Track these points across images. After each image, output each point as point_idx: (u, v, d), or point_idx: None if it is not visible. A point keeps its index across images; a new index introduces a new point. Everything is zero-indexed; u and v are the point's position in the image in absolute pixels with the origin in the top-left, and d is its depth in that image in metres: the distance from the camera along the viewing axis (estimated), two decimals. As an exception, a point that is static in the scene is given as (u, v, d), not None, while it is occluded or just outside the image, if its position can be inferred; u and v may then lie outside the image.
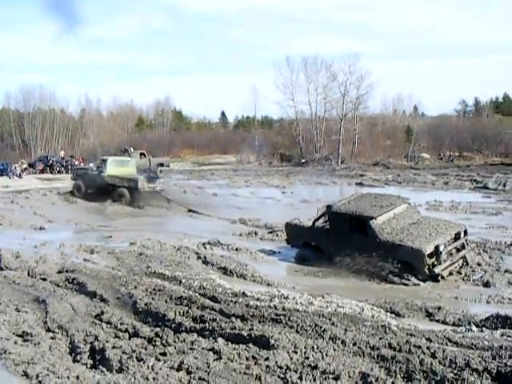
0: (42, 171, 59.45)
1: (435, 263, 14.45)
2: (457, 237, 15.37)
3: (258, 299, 11.72)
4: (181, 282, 13.59)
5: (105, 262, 16.62)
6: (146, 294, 12.29)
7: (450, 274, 14.96)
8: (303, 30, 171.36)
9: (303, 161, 69.61)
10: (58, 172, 59.43)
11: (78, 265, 15.78)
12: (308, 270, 15.84)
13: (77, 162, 61.54)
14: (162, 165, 54.70)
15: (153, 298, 11.91)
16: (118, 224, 25.35)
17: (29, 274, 14.96)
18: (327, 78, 74.31)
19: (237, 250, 18.28)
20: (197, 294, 12.19)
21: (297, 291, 13.04)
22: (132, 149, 54.56)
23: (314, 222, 17.29)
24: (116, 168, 36.12)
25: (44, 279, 14.33)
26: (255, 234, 21.03)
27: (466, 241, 15.89)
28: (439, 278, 14.45)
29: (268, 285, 14.23)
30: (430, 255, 14.36)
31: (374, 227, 15.31)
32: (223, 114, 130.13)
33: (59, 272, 15.07)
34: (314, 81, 75.14)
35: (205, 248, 18.45)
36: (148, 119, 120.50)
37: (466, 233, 15.88)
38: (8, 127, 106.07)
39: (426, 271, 14.38)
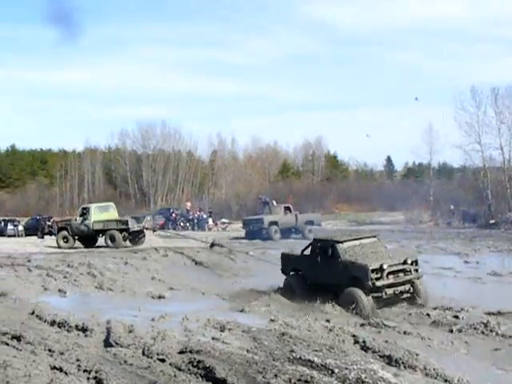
0: (163, 226, 60.57)
1: (378, 277, 20.81)
2: (405, 262, 21.79)
3: (432, 399, 11.44)
4: (333, 371, 13.41)
5: (238, 342, 16.73)
6: (289, 384, 12.25)
7: (396, 294, 21.37)
8: (492, 51, 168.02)
9: (492, 221, 67.89)
10: (182, 228, 60.79)
11: (204, 344, 15.94)
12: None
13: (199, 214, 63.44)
14: (311, 223, 54.98)
15: (298, 391, 11.85)
16: (254, 296, 25.48)
17: (144, 353, 15.25)
18: (524, 116, 72.57)
19: (405, 333, 17.95)
20: (354, 389, 12.03)
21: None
22: (274, 202, 55.22)
23: (302, 251, 24.76)
24: (100, 214, 47.83)
25: (162, 360, 14.56)
26: (427, 315, 20.57)
27: (416, 270, 22.09)
28: (382, 292, 21.00)
29: (445, 381, 13.81)
30: (375, 271, 20.87)
31: (339, 249, 22.44)
32: (389, 159, 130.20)
33: (181, 352, 15.28)
34: (508, 118, 73.37)
35: (364, 330, 18.25)
36: (295, 165, 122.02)
37: (415, 263, 22.19)
38: (123, 172, 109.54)
39: (370, 284, 20.70)
